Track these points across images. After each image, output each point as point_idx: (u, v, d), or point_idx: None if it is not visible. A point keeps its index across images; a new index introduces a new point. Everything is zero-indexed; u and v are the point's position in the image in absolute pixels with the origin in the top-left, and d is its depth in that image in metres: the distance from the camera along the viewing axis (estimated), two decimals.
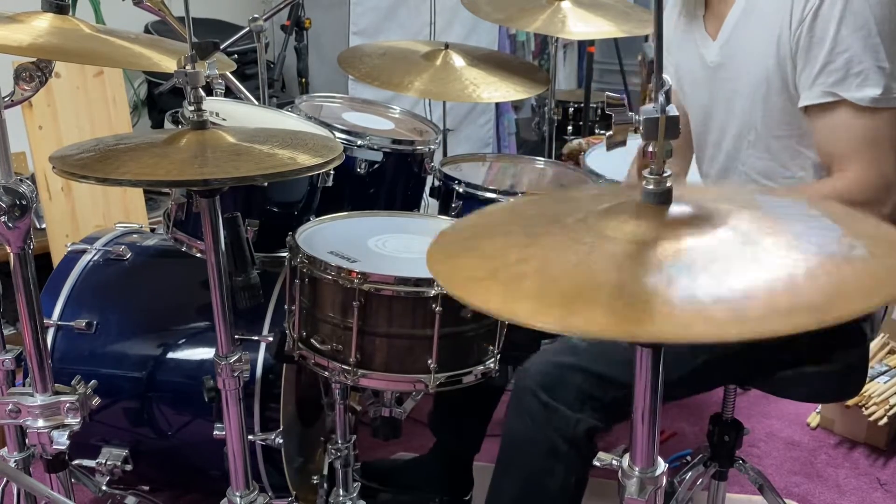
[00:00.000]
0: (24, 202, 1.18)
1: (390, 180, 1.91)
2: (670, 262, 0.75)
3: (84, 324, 1.68)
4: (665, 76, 0.81)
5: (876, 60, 1.29)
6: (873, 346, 2.50)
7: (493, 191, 1.86)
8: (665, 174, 0.83)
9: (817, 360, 1.42)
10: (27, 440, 1.38)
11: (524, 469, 1.38)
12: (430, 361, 1.37)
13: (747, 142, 1.46)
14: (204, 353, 1.67)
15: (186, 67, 1.22)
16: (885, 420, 2.25)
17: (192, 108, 1.25)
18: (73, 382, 1.33)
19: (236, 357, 1.36)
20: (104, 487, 1.63)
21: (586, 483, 1.39)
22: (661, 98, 0.80)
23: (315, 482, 1.78)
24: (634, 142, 0.91)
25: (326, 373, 1.42)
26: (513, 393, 1.40)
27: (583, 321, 0.68)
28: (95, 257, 1.81)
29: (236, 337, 1.41)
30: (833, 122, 1.33)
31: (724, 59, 1.46)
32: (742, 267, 0.74)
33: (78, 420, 1.29)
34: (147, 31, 3.31)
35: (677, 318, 0.67)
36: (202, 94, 1.25)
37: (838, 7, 1.28)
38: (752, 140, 1.45)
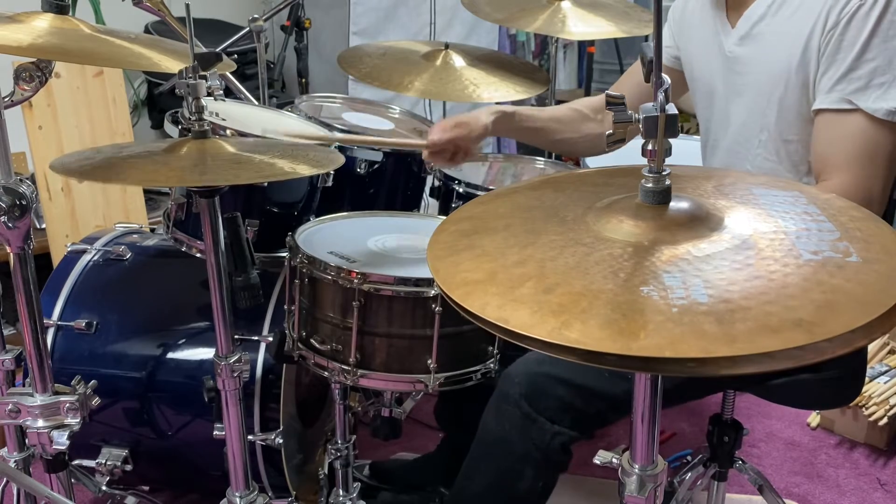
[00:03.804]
0: (24, 202, 1.18)
1: (390, 180, 1.91)
2: (666, 268, 0.75)
3: (84, 324, 1.68)
4: (664, 76, 0.81)
5: None
6: (873, 346, 2.50)
7: (493, 191, 1.86)
8: (664, 172, 0.84)
9: (814, 366, 1.41)
10: (27, 440, 1.38)
11: (495, 467, 1.40)
12: (429, 361, 1.37)
13: (758, 141, 1.44)
14: (204, 353, 1.67)
15: (188, 78, 1.22)
16: (885, 420, 2.25)
17: (193, 118, 1.25)
18: (73, 382, 1.33)
19: (236, 357, 1.35)
20: (104, 487, 1.63)
21: (554, 485, 1.42)
22: (661, 97, 0.80)
23: (321, 478, 1.79)
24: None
25: (326, 373, 1.42)
26: (495, 395, 1.41)
27: (578, 334, 0.68)
28: (95, 257, 1.81)
29: (236, 337, 1.41)
30: (840, 129, 1.31)
31: (741, 52, 1.44)
32: (737, 275, 0.74)
33: (78, 420, 1.29)
34: (147, 31, 3.32)
35: (670, 333, 0.67)
36: (203, 104, 1.25)
37: (874, 15, 1.27)
38: (763, 140, 1.44)
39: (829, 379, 1.41)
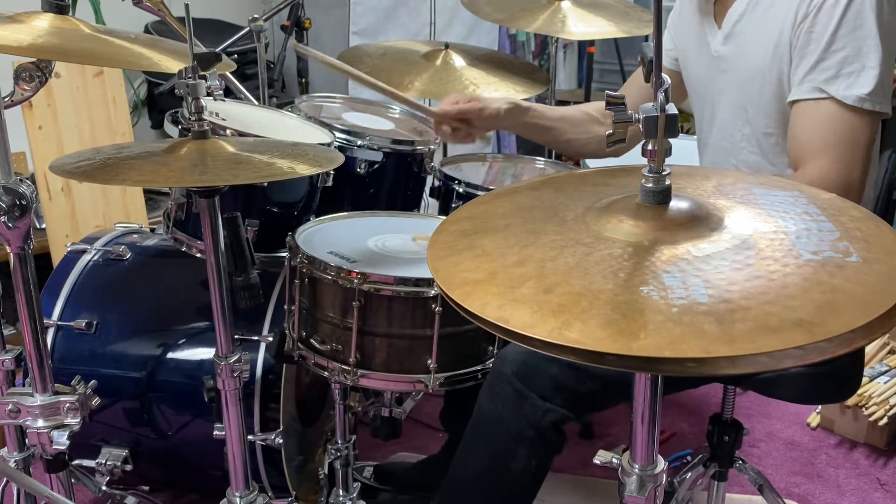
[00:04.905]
0: (24, 202, 1.18)
1: (390, 180, 1.91)
2: (666, 268, 0.75)
3: (84, 324, 1.68)
4: (664, 76, 0.81)
5: (869, 62, 1.29)
6: (874, 346, 2.50)
7: (493, 191, 1.86)
8: (664, 173, 0.84)
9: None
10: (27, 440, 1.38)
11: (490, 448, 1.40)
12: (429, 361, 1.37)
13: (741, 135, 1.48)
14: (204, 353, 1.67)
15: (188, 78, 1.22)
16: (885, 420, 2.24)
17: (193, 118, 1.25)
18: (73, 382, 1.32)
19: (236, 357, 1.36)
20: (104, 487, 1.63)
21: (548, 468, 1.42)
22: (661, 97, 0.80)
23: (321, 478, 1.79)
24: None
25: (326, 373, 1.42)
26: (489, 376, 1.41)
27: (578, 334, 0.68)
28: (95, 257, 1.81)
29: (236, 337, 1.41)
30: (814, 117, 1.33)
31: (725, 51, 1.48)
32: (737, 275, 0.74)
33: (78, 420, 1.29)
34: (147, 31, 3.32)
35: (670, 333, 0.67)
36: (203, 104, 1.25)
37: (841, 6, 1.29)
38: (746, 134, 1.47)
39: (827, 374, 1.41)
